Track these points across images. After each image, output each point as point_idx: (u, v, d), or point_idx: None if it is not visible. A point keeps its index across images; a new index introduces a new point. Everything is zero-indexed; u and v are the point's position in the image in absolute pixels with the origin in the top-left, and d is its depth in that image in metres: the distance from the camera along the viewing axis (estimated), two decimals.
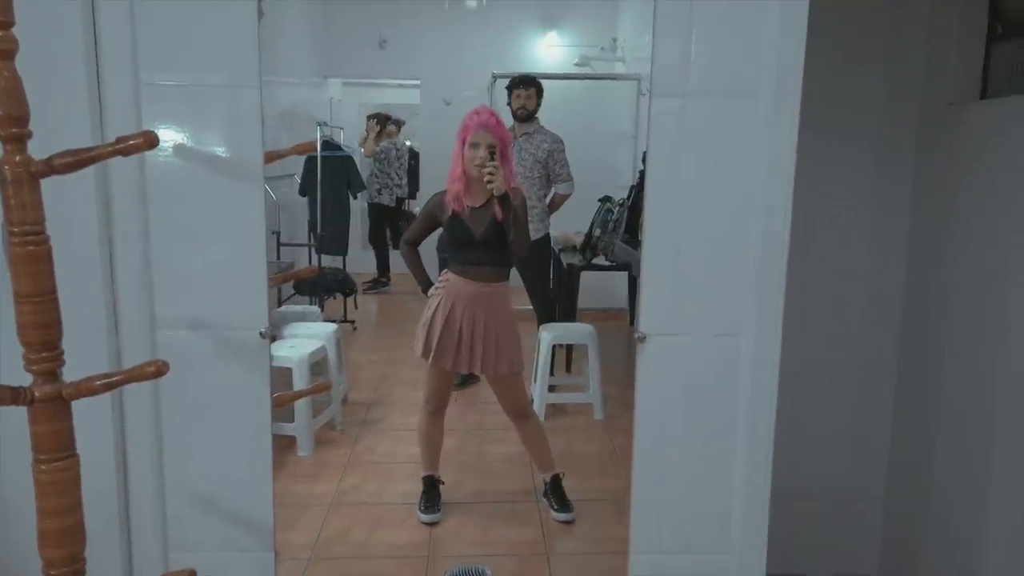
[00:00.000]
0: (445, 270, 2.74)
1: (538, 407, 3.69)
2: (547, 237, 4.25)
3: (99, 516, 1.65)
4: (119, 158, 1.56)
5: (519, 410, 2.84)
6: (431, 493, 2.85)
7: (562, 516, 2.80)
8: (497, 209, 2.56)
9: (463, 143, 2.57)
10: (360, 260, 6.64)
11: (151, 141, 1.19)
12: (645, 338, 1.67)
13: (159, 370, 1.21)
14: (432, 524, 2.74)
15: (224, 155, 1.67)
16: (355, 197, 5.43)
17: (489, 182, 2.46)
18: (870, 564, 2.56)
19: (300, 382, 3.34)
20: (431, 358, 2.67)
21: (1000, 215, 1.95)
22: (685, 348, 1.71)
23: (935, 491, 2.25)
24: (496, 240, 2.61)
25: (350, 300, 5.30)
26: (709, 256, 1.70)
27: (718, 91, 1.65)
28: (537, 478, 3.00)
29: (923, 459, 2.30)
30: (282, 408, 3.29)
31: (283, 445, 3.35)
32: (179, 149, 1.66)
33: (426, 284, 2.80)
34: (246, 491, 1.77)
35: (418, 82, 6.79)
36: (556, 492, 2.85)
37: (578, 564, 2.55)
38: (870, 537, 2.55)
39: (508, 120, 3.92)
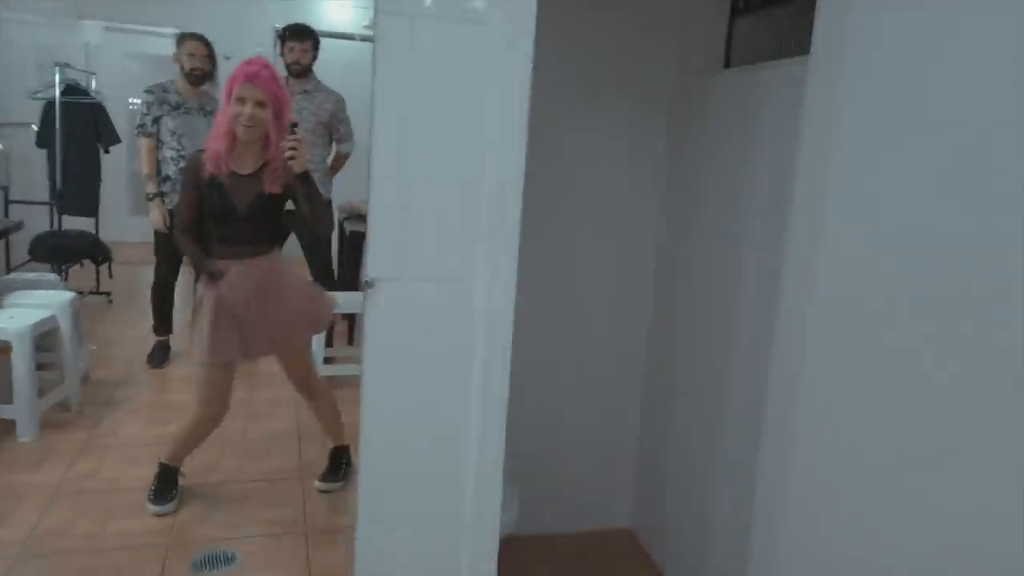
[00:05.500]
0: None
1: None
2: (328, 203, 4.01)
3: None
4: None
5: (306, 387, 2.61)
6: (165, 481, 2.52)
7: (322, 485, 2.69)
8: (267, 181, 2.28)
9: (229, 96, 2.23)
10: (117, 225, 5.91)
11: None
12: (373, 283, 1.54)
13: None
14: (162, 515, 2.45)
15: None
16: (107, 151, 4.76)
17: (291, 158, 2.15)
18: (623, 516, 2.68)
19: (22, 357, 2.88)
20: (210, 353, 2.34)
21: (741, 179, 2.06)
22: (415, 293, 1.59)
23: (679, 443, 2.37)
24: (263, 214, 2.32)
25: (104, 269, 4.71)
26: (440, 196, 1.56)
27: (449, 14, 1.50)
28: (303, 455, 2.81)
29: (668, 413, 2.42)
30: None
31: (1, 429, 2.88)
32: None
33: (215, 270, 2.36)
34: None
35: None
36: (332, 461, 2.74)
37: (339, 541, 2.41)
38: (623, 491, 2.66)
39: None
